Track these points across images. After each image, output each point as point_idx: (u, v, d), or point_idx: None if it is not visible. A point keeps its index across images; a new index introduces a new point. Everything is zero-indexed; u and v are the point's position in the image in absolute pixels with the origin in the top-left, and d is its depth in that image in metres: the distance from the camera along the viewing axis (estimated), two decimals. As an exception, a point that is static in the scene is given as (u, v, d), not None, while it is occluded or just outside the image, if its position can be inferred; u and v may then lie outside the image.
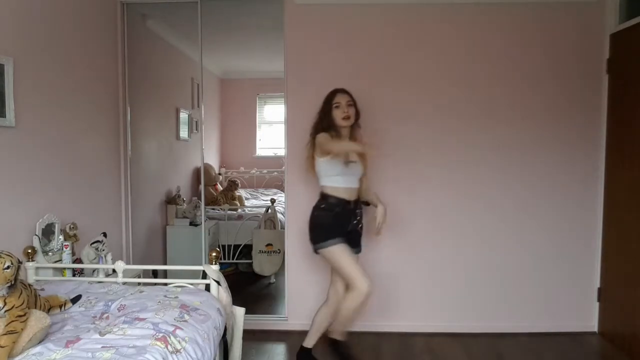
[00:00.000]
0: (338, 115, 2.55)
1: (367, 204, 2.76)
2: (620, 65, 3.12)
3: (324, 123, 2.57)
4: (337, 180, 2.57)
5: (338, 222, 2.56)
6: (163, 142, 4.40)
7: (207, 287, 2.23)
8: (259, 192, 6.29)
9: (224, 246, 4.59)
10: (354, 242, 2.66)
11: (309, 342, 2.73)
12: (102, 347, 1.52)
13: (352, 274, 2.46)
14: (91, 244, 2.57)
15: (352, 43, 3.29)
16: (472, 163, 3.31)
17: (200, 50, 3.45)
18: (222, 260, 4.28)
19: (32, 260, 2.24)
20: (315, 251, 2.60)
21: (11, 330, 1.49)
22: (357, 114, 2.63)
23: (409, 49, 3.29)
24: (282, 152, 3.70)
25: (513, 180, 3.32)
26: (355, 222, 2.64)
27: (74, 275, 2.45)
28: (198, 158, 4.26)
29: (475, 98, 3.29)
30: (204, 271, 2.25)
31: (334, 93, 2.61)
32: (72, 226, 2.58)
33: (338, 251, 2.49)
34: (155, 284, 2.46)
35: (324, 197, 2.62)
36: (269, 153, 6.48)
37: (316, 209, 2.63)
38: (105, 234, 2.70)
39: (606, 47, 3.22)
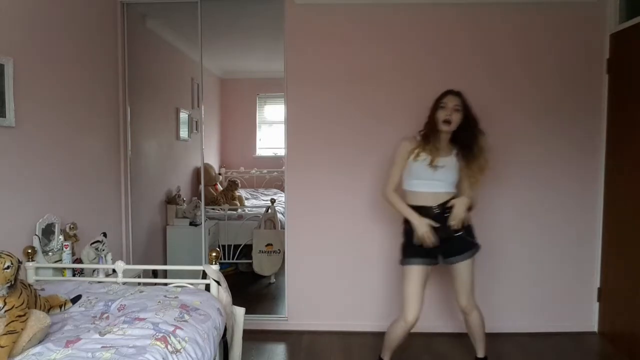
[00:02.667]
0: (440, 116, 2.37)
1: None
2: (620, 65, 3.12)
3: (429, 122, 2.44)
4: (417, 185, 2.43)
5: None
6: (163, 142, 4.40)
7: (207, 287, 2.23)
8: (259, 192, 6.29)
9: (224, 246, 4.59)
10: (454, 250, 2.45)
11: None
12: (102, 347, 1.52)
13: (407, 299, 2.44)
14: (91, 244, 2.57)
15: (352, 43, 3.29)
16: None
17: (200, 50, 3.45)
18: (222, 260, 4.28)
19: (32, 260, 2.24)
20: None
21: (11, 330, 1.49)
22: (473, 121, 2.42)
23: (409, 48, 3.29)
24: (282, 152, 3.70)
25: (513, 180, 3.32)
26: (446, 227, 2.40)
27: (74, 275, 2.45)
28: (198, 158, 4.26)
29: (475, 98, 3.26)
30: (204, 271, 2.25)
31: (445, 93, 2.44)
32: (72, 226, 2.58)
33: (408, 274, 2.46)
34: (155, 284, 2.46)
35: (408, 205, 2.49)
36: (269, 153, 6.48)
37: (404, 220, 2.51)
38: (105, 234, 2.70)
39: (606, 47, 3.22)
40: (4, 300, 1.50)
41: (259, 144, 6.60)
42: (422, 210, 2.42)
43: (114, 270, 2.42)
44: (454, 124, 2.38)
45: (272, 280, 4.44)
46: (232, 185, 5.50)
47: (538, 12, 3.22)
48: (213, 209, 4.93)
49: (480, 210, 3.31)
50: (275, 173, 6.32)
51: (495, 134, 3.27)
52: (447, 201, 2.41)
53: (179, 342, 1.65)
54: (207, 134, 5.76)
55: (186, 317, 1.82)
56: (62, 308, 1.94)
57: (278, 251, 4.36)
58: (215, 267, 2.23)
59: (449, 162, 2.42)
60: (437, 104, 2.43)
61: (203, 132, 3.97)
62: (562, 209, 3.31)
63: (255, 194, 6.22)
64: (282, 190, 4.95)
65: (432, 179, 2.40)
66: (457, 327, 3.32)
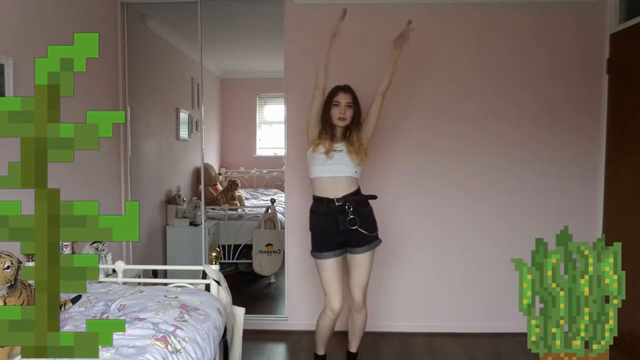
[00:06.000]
0: (335, 114, 2.49)
1: (372, 197, 2.56)
2: (620, 65, 3.12)
3: (324, 117, 2.54)
4: (318, 171, 2.49)
5: (326, 227, 2.49)
6: (163, 142, 4.40)
7: (207, 287, 2.23)
8: (259, 192, 6.29)
9: (224, 246, 4.59)
10: (355, 242, 2.48)
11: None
12: (102, 347, 1.52)
13: (328, 291, 2.50)
14: (91, 244, 2.57)
15: (352, 43, 3.28)
16: (472, 163, 3.32)
17: (201, 50, 3.45)
18: (222, 260, 4.28)
19: (32, 260, 2.24)
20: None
21: (11, 330, 1.49)
22: (359, 115, 2.54)
23: (409, 49, 3.27)
24: (282, 152, 3.71)
25: (513, 180, 3.32)
26: (347, 220, 2.43)
27: (74, 275, 2.45)
28: (198, 158, 4.27)
29: (475, 98, 3.29)
30: (204, 271, 2.25)
31: (336, 90, 2.54)
32: (72, 226, 2.58)
33: (321, 268, 2.52)
34: (155, 284, 2.46)
35: (313, 196, 2.58)
36: (269, 153, 6.48)
37: (310, 209, 2.60)
38: (105, 234, 2.69)
39: (606, 47, 3.22)
40: (4, 300, 1.50)
41: (259, 144, 6.61)
42: (324, 202, 2.48)
43: (114, 270, 2.42)
44: (348, 119, 2.51)
45: (272, 280, 4.45)
46: (232, 185, 5.50)
47: (538, 12, 3.23)
48: (213, 209, 4.93)
49: (480, 209, 3.33)
50: (275, 173, 6.32)
51: (494, 133, 3.30)
52: (349, 194, 2.46)
53: (179, 342, 1.65)
54: (207, 134, 5.76)
55: (186, 317, 1.82)
56: (62, 308, 1.94)
57: (278, 251, 4.36)
58: (215, 267, 2.23)
59: (345, 147, 2.50)
60: (330, 102, 2.53)
61: (203, 132, 3.98)
62: (562, 208, 3.31)
63: (255, 194, 6.22)
64: (282, 190, 4.96)
65: (330, 164, 2.47)
66: (457, 327, 3.33)
